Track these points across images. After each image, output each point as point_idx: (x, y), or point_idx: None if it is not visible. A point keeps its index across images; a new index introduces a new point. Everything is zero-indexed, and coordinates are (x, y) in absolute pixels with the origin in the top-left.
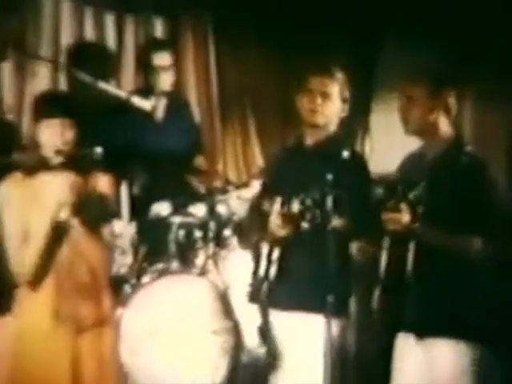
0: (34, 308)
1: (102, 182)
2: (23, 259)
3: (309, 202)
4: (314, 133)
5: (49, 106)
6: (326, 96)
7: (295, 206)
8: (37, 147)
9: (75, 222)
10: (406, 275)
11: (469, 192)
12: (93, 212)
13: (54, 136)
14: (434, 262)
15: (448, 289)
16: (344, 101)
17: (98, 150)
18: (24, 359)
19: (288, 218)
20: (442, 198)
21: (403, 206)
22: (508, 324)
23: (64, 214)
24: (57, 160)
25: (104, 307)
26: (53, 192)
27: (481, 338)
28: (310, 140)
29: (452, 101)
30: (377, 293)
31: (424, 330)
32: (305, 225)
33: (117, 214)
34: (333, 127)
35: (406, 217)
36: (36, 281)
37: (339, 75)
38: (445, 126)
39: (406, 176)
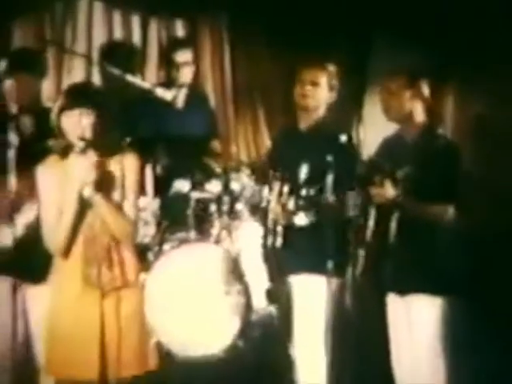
0: (66, 275)
1: (128, 162)
2: (57, 233)
3: (303, 179)
4: (307, 116)
5: (69, 97)
6: (314, 84)
7: (290, 187)
8: (63, 134)
9: (98, 197)
10: (389, 241)
11: (443, 169)
12: (113, 187)
13: (75, 124)
14: (413, 229)
15: (425, 252)
16: (331, 89)
17: (123, 136)
18: (58, 320)
19: (285, 206)
20: (422, 175)
21: (388, 183)
22: (475, 280)
23: (87, 191)
24: (81, 145)
25: (127, 272)
26: (77, 172)
27: (453, 292)
28: (303, 124)
29: (426, 90)
30: (362, 256)
31: (405, 288)
32: (300, 217)
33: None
34: (322, 111)
35: (390, 192)
36: (66, 250)
37: (330, 68)
38: (420, 113)
39: (390, 156)
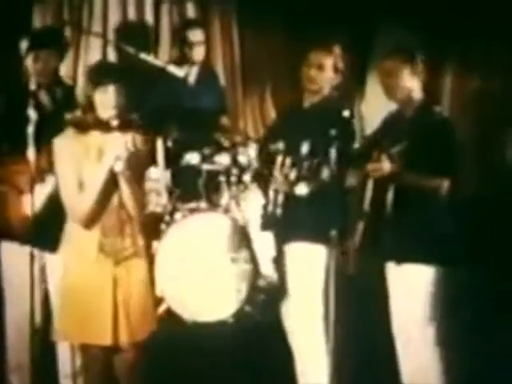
0: (83, 243)
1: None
2: (78, 204)
3: (305, 153)
4: (311, 96)
5: (103, 75)
6: (320, 67)
7: (292, 160)
8: (92, 109)
9: (127, 173)
10: (386, 212)
11: (438, 144)
12: (139, 164)
13: (107, 101)
14: (409, 200)
15: (421, 221)
16: (336, 71)
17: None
18: (72, 286)
19: (287, 177)
20: (416, 151)
21: (385, 158)
22: (466, 249)
23: (119, 166)
24: (110, 121)
25: (138, 242)
26: (111, 147)
27: (447, 261)
28: (307, 101)
29: (421, 67)
30: (361, 227)
31: (401, 257)
32: (301, 187)
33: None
34: (326, 91)
35: (387, 167)
36: (91, 221)
37: (336, 50)
38: (418, 90)
39: (388, 133)
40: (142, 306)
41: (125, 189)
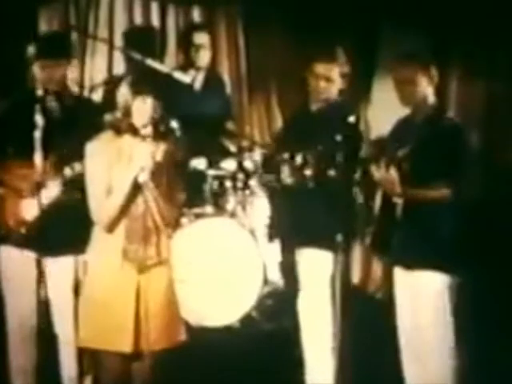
0: (107, 248)
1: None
2: (104, 208)
3: (311, 155)
4: (317, 101)
5: (143, 83)
6: (328, 79)
7: (299, 159)
8: (129, 115)
9: (151, 184)
10: (395, 217)
11: (448, 148)
12: (163, 178)
13: (145, 111)
14: (418, 206)
15: (429, 228)
16: (343, 76)
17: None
18: (97, 291)
19: (294, 169)
20: (426, 154)
21: (391, 167)
22: (475, 256)
23: (143, 177)
24: (142, 129)
25: (161, 252)
26: (137, 156)
27: (455, 267)
28: (314, 106)
29: (435, 73)
30: (370, 232)
31: (410, 263)
32: (308, 174)
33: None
34: (333, 96)
35: (393, 177)
36: (112, 226)
37: (341, 58)
38: (430, 95)
39: (397, 138)
40: (166, 315)
41: (150, 199)
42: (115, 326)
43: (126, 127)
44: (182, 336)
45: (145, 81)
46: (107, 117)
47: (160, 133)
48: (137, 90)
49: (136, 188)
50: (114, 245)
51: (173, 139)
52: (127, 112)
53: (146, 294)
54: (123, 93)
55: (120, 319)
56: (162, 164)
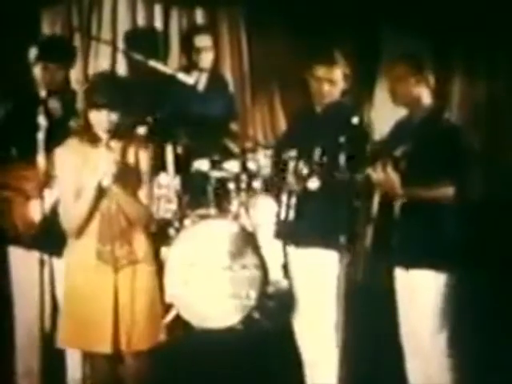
0: (81, 250)
1: (142, 155)
2: (72, 212)
3: (317, 157)
4: (321, 102)
5: (97, 96)
6: (331, 82)
7: (304, 164)
8: (88, 124)
9: (116, 187)
10: (395, 217)
11: (445, 149)
12: (129, 180)
13: (102, 120)
14: (417, 206)
15: (428, 228)
16: (345, 77)
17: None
18: (74, 292)
19: (299, 176)
20: (423, 153)
21: (390, 169)
22: (474, 256)
23: (106, 181)
24: (106, 138)
25: (136, 250)
26: (101, 165)
27: (455, 267)
28: (318, 107)
29: (431, 75)
30: (370, 232)
31: (410, 263)
32: (313, 181)
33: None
34: (336, 97)
35: (392, 177)
36: (79, 231)
37: (339, 60)
38: (427, 97)
39: (395, 138)
40: (147, 314)
41: (119, 200)
42: (94, 326)
43: (87, 136)
44: (162, 336)
45: (99, 93)
46: (71, 123)
47: (123, 138)
48: (91, 102)
49: (101, 192)
50: (88, 247)
51: (138, 143)
52: (86, 121)
53: (124, 294)
54: (80, 104)
55: (98, 320)
56: (127, 167)
